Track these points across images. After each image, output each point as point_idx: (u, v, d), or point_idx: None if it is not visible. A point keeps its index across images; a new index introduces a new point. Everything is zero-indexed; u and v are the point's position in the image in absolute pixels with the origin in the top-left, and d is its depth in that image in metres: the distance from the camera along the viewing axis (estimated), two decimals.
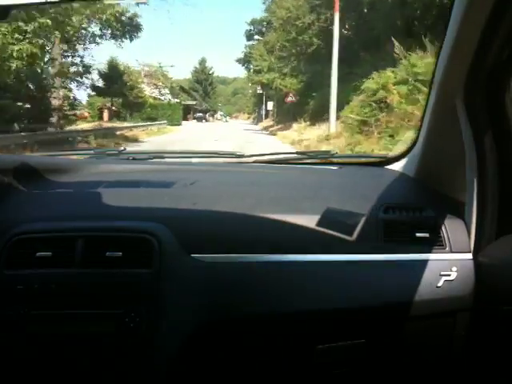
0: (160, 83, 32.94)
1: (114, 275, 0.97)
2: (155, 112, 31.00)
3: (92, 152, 1.66)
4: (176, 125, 29.81)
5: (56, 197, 1.17)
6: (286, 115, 25.45)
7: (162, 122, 26.77)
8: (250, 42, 38.01)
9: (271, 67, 25.95)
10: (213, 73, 59.72)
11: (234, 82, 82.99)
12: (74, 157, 1.64)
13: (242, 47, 39.47)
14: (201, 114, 47.17)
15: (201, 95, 56.67)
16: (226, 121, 54.99)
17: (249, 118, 66.54)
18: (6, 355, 0.95)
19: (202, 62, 59.90)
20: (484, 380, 1.07)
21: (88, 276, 0.97)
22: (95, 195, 1.14)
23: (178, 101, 34.49)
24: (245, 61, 36.80)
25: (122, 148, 1.67)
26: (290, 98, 21.69)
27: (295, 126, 18.78)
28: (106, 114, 31.25)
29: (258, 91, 41.98)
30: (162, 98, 32.72)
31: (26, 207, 1.11)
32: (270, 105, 34.75)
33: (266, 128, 31.18)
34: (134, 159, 1.52)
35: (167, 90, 32.93)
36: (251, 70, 31.09)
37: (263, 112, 43.27)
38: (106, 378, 0.97)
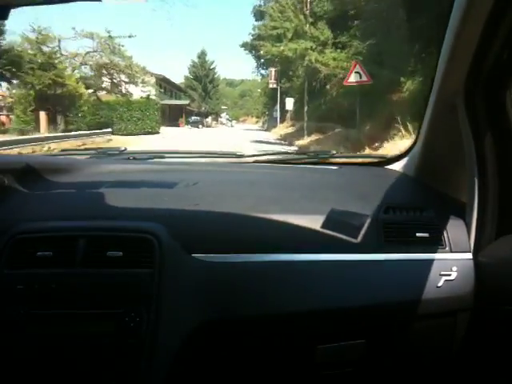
0: (114, 68, 20.01)
1: (114, 275, 0.97)
2: (113, 114, 19.92)
3: (93, 152, 1.64)
4: (149, 133, 19.34)
5: (56, 196, 1.18)
6: (328, 116, 13.98)
7: (105, 130, 15.71)
8: (261, 23, 26.63)
9: (300, 31, 14.47)
10: (214, 68, 49.69)
11: (241, 84, 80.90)
12: (75, 157, 1.61)
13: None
14: (197, 118, 37.71)
15: (200, 94, 46.96)
16: (232, 125, 49.48)
17: (257, 122, 57.44)
18: (6, 355, 0.95)
19: (202, 55, 50.32)
20: (484, 380, 1.08)
21: (88, 276, 0.97)
22: (96, 195, 1.15)
23: (147, 97, 21.91)
24: (252, 46, 25.53)
25: (123, 148, 1.62)
26: (357, 76, 9.70)
27: (397, 141, 6.99)
28: (43, 119, 20.32)
29: (271, 85, 30.69)
30: (119, 89, 20.30)
31: (27, 207, 1.11)
32: (290, 102, 22.85)
33: (284, 138, 19.96)
34: (134, 159, 1.53)
35: (124, 77, 20.31)
36: (264, 41, 18.51)
37: (277, 114, 31.40)
38: (106, 378, 0.96)
